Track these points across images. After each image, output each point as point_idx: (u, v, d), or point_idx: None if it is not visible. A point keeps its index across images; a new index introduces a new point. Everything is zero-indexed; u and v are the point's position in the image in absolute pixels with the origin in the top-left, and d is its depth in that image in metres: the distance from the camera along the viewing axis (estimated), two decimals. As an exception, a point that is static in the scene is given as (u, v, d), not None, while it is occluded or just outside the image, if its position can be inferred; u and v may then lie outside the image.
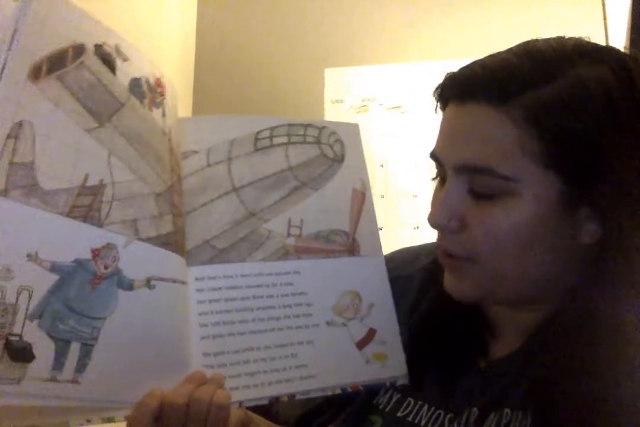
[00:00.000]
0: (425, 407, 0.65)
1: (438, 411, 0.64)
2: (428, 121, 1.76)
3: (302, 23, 2.07)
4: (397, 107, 1.91)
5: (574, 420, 0.52)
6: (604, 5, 1.83)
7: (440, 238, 0.62)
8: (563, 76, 0.55)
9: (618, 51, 0.59)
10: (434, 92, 0.62)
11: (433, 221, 0.60)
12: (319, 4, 2.07)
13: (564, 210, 0.56)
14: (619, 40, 1.58)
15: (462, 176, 0.59)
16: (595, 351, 0.54)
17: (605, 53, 0.58)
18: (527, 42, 0.60)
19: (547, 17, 1.84)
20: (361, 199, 0.75)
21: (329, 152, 0.74)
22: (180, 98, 0.70)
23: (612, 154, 0.55)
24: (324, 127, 0.75)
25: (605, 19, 1.82)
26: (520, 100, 0.55)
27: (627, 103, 0.55)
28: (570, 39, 0.60)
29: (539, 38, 0.60)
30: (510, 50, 0.59)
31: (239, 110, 2.01)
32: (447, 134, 0.61)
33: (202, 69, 2.15)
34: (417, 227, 1.82)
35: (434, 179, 0.65)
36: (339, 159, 0.75)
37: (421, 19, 1.96)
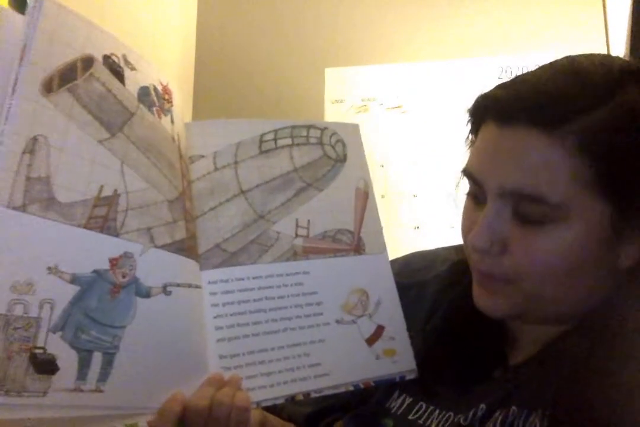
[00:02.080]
0: (437, 411, 0.66)
1: (448, 414, 0.65)
2: (428, 121, 1.76)
3: (302, 23, 2.06)
4: (397, 107, 1.90)
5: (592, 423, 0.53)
6: (604, 5, 1.83)
7: (479, 261, 0.61)
8: (613, 100, 0.54)
9: None
10: (467, 111, 0.61)
11: (474, 245, 0.59)
12: (319, 4, 2.07)
13: (609, 237, 0.56)
14: (620, 41, 1.58)
15: (506, 200, 0.57)
16: (620, 363, 0.54)
17: None
18: (571, 61, 0.58)
19: (548, 17, 1.85)
20: (364, 198, 0.76)
21: (332, 153, 0.75)
22: (180, 99, 0.70)
23: None
24: (325, 128, 0.75)
25: (605, 19, 1.82)
26: (573, 126, 0.54)
27: None
28: (614, 57, 0.59)
29: (580, 54, 0.59)
30: (553, 68, 0.58)
31: (239, 111, 2.01)
32: (489, 155, 0.59)
33: (202, 70, 2.14)
34: (417, 227, 1.81)
35: (468, 194, 0.63)
36: (342, 159, 0.76)
37: (421, 19, 1.96)
